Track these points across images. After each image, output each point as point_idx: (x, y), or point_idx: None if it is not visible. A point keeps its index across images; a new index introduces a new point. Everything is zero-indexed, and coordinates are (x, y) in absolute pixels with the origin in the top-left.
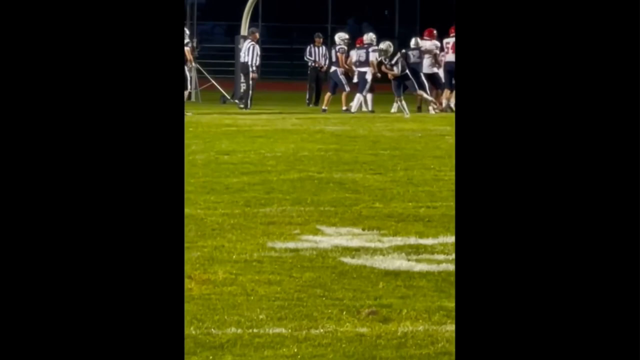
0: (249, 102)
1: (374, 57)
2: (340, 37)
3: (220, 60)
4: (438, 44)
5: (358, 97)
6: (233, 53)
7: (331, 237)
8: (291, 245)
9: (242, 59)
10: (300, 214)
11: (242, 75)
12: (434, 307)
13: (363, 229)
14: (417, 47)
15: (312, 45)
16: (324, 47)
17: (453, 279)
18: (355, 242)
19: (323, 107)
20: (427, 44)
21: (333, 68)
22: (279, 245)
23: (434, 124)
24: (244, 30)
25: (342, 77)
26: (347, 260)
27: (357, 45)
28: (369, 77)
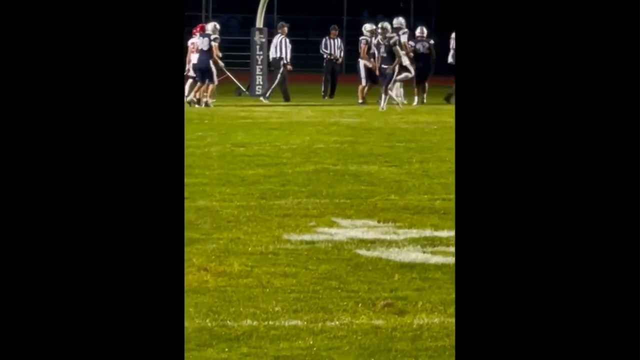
0: (268, 92)
1: (404, 39)
2: (366, 28)
3: (236, 53)
4: None
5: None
6: (249, 45)
7: (347, 230)
8: (307, 237)
9: (272, 54)
10: (315, 207)
11: (268, 68)
12: (449, 300)
13: (378, 222)
14: (423, 36)
15: (327, 38)
16: (339, 40)
17: None
18: (370, 235)
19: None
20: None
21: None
22: (295, 237)
23: (449, 116)
24: (259, 22)
25: (363, 70)
26: (362, 252)
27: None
28: (405, 61)
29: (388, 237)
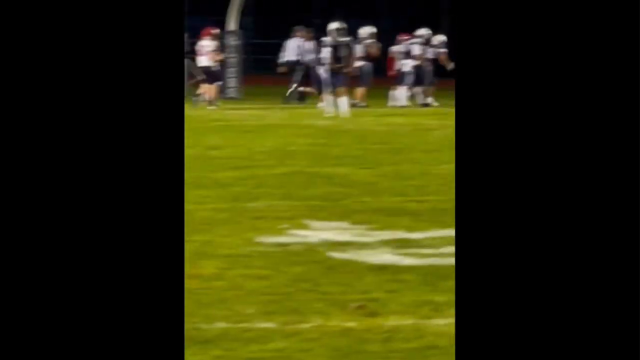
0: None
1: (417, 49)
2: (367, 31)
3: None
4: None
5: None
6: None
7: (320, 232)
8: (280, 239)
9: (288, 57)
10: (288, 209)
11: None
12: (421, 301)
13: (351, 223)
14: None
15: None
16: (312, 42)
17: (441, 272)
18: (343, 237)
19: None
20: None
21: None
22: (268, 240)
23: (422, 118)
24: (232, 25)
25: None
26: (335, 254)
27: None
28: (406, 69)
29: (361, 239)
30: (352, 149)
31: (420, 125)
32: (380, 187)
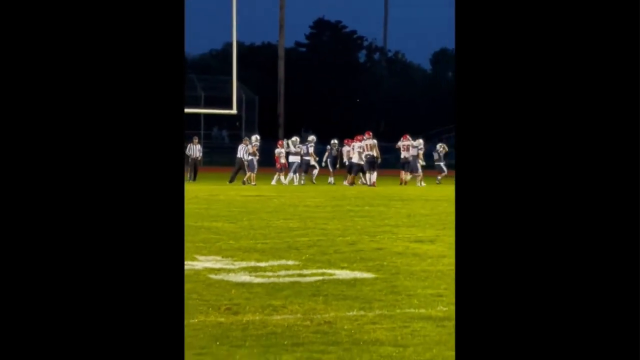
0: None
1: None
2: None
3: None
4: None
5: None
6: None
7: (202, 262)
8: None
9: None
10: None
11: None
12: (266, 305)
13: (222, 257)
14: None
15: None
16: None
17: (278, 287)
18: (217, 265)
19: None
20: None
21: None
22: None
23: (267, 192)
24: None
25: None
26: (212, 276)
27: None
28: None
29: (228, 266)
30: (222, 211)
31: (265, 196)
32: (240, 234)
